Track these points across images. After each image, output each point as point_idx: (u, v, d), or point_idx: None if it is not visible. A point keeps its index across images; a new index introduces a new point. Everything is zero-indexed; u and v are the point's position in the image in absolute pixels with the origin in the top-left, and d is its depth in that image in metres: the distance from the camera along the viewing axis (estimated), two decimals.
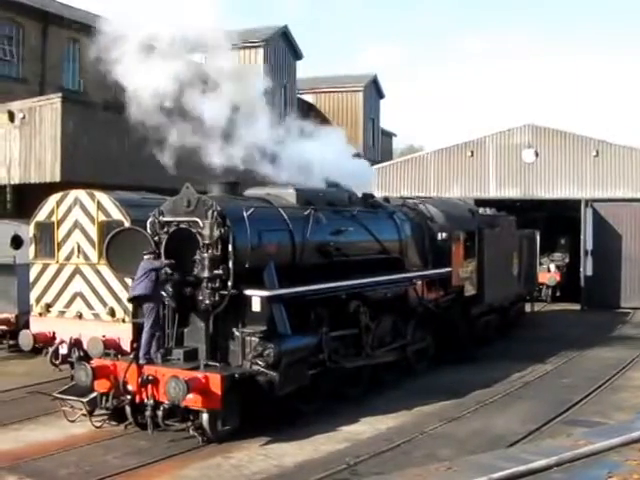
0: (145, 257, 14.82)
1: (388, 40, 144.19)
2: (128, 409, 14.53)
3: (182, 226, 15.04)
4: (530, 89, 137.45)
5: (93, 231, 18.08)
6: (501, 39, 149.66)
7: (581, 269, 35.25)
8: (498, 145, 36.50)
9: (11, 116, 27.33)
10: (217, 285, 14.50)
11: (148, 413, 13.93)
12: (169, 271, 14.86)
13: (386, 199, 21.75)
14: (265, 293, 14.58)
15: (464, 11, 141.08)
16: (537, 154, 35.65)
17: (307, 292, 15.72)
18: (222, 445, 13.75)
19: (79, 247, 18.28)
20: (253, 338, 14.44)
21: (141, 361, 14.41)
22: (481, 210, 26.63)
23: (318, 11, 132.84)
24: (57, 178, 26.18)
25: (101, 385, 14.56)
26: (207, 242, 14.51)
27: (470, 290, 22.72)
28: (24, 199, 27.25)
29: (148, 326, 14.73)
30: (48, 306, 18.63)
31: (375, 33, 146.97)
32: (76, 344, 17.73)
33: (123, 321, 17.54)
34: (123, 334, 17.27)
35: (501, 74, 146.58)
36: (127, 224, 17.23)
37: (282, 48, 45.48)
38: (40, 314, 18.74)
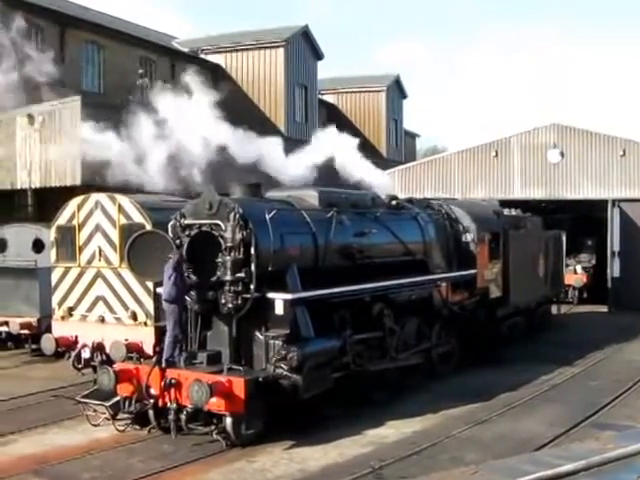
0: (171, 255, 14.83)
1: (408, 39, 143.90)
2: (151, 413, 14.49)
3: (204, 229, 14.96)
4: (555, 88, 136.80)
5: (114, 234, 18.08)
6: (524, 37, 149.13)
7: (608, 270, 34.89)
8: (523, 145, 36.21)
9: (31, 119, 27.38)
10: (240, 288, 14.42)
11: (171, 417, 13.87)
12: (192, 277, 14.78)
13: (410, 200, 21.59)
14: (288, 296, 14.47)
15: (485, 7, 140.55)
16: (562, 154, 35.32)
17: (330, 295, 15.60)
18: (246, 449, 13.66)
19: (100, 250, 18.30)
20: (276, 341, 14.36)
21: (163, 364, 14.34)
22: (506, 211, 26.44)
23: (337, 11, 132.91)
24: (78, 181, 26.18)
25: (124, 389, 14.52)
26: (229, 245, 14.42)
27: (495, 292, 22.55)
28: (45, 203, 27.29)
29: (170, 329, 14.67)
30: (70, 310, 18.66)
31: (396, 32, 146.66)
32: (98, 348, 17.77)
33: (145, 324, 17.54)
34: (145, 337, 17.27)
35: (525, 73, 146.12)
36: (148, 227, 17.23)
37: (303, 48, 45.39)
38: (62, 318, 18.77)
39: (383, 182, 21.65)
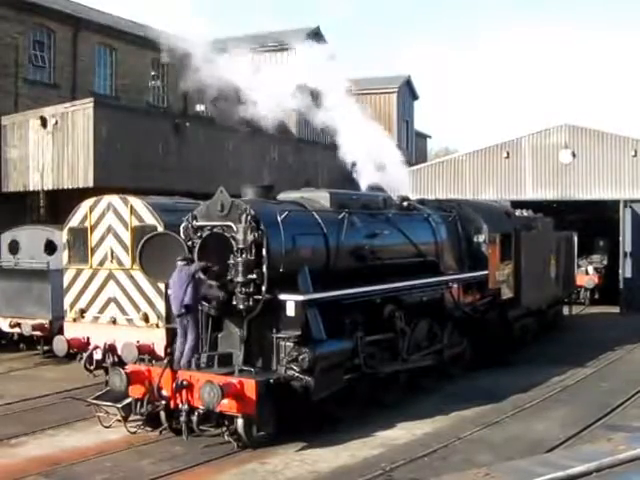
0: (179, 264, 14.77)
1: (419, 40, 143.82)
2: (163, 414, 14.49)
3: (216, 230, 14.97)
4: (566, 88, 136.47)
5: (126, 236, 18.10)
6: (536, 37, 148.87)
7: (620, 271, 34.84)
8: (534, 146, 36.16)
9: (44, 122, 27.52)
10: (251, 290, 14.40)
11: (183, 418, 13.89)
12: (202, 276, 14.75)
13: (421, 201, 21.58)
14: (300, 298, 14.46)
15: (496, 8, 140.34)
16: (574, 155, 35.26)
17: (342, 296, 15.59)
18: (257, 451, 13.66)
19: (112, 252, 18.32)
20: (288, 343, 14.36)
21: (183, 367, 14.44)
22: (517, 212, 26.40)
23: (347, 12, 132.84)
24: (90, 183, 26.31)
25: (136, 390, 14.53)
26: (241, 246, 14.42)
27: (507, 293, 22.49)
28: (57, 205, 27.43)
29: (191, 334, 14.69)
30: (82, 311, 18.69)
31: (406, 33, 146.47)
32: (110, 349, 17.79)
33: (157, 326, 17.54)
34: (157, 339, 17.27)
35: (537, 74, 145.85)
36: (160, 229, 17.24)
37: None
38: (74, 319, 18.81)
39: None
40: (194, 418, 13.80)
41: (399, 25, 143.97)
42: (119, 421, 14.99)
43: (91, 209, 18.78)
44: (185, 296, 14.58)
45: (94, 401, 15.46)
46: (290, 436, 14.07)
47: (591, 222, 38.25)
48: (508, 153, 36.50)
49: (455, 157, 39.43)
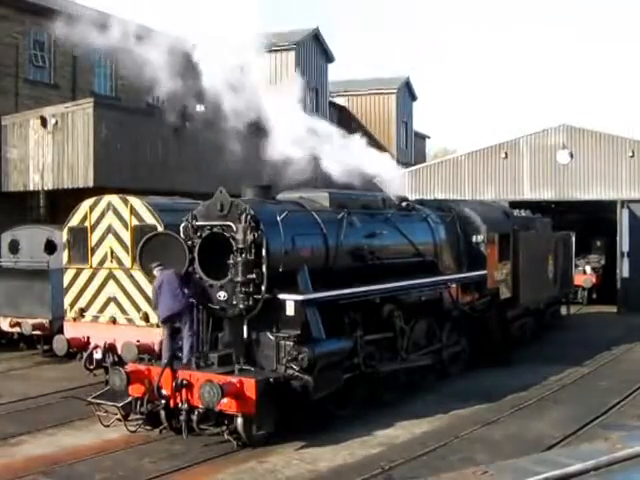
0: (158, 272, 14.92)
1: (417, 40, 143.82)
2: (163, 413, 14.51)
3: (215, 230, 15.01)
4: (564, 88, 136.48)
5: (126, 236, 18.14)
6: (534, 37, 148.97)
7: (617, 271, 34.91)
8: (532, 146, 36.21)
9: (44, 122, 27.55)
10: (251, 289, 14.44)
11: (182, 417, 13.93)
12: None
13: (420, 202, 21.65)
14: (299, 297, 14.51)
15: (497, 8, 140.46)
16: (572, 155, 35.32)
17: (341, 296, 15.62)
18: (257, 450, 13.70)
19: (112, 252, 18.36)
20: (287, 342, 14.38)
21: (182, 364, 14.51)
22: (516, 212, 26.45)
23: (352, 12, 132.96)
24: (90, 183, 26.34)
25: (135, 390, 14.57)
26: (240, 246, 14.44)
27: (505, 293, 22.53)
28: (57, 205, 27.48)
29: (188, 333, 14.75)
30: (82, 311, 18.72)
31: (405, 33, 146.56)
32: (110, 349, 17.83)
33: (157, 326, 17.56)
34: (157, 339, 17.30)
35: (534, 74, 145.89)
36: (160, 229, 17.27)
37: (313, 51, 45.45)
38: (74, 319, 18.84)
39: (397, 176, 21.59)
40: (194, 417, 13.85)
41: (398, 25, 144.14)
42: (119, 420, 15.02)
43: (91, 209, 18.82)
44: (178, 299, 14.69)
45: (94, 400, 15.49)
46: (289, 435, 14.12)
47: (589, 222, 38.36)
48: (506, 153, 36.55)
49: (454, 157, 39.44)
